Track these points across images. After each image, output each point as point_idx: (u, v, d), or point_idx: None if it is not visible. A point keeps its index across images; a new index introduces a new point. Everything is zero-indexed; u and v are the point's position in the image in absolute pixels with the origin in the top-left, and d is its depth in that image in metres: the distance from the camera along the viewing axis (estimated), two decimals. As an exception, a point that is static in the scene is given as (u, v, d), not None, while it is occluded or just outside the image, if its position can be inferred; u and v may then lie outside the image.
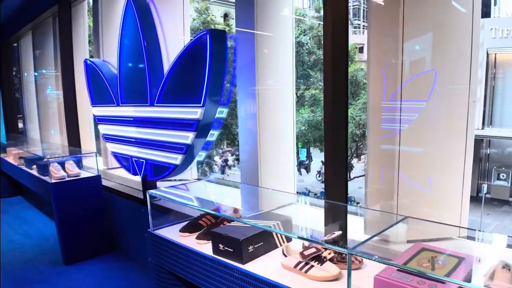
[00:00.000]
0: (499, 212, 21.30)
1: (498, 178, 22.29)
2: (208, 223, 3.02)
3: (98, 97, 5.01)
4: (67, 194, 4.96)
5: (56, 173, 5.04)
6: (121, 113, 4.56)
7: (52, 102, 9.06)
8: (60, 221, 4.92)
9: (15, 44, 10.69)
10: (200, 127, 3.58)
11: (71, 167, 5.25)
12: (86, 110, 7.01)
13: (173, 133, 3.80)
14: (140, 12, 4.05)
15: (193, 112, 3.53)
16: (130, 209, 5.01)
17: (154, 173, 4.24)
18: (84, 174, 5.29)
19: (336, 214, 3.00)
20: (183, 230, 2.97)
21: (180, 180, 4.92)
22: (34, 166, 5.91)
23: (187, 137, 3.66)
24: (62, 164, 5.28)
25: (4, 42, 10.40)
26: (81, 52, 6.92)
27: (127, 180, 5.42)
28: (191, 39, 3.47)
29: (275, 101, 3.85)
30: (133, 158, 4.50)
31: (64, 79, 6.85)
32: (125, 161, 4.73)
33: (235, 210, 3.03)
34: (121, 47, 4.40)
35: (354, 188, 24.68)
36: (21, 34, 9.68)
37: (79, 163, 5.55)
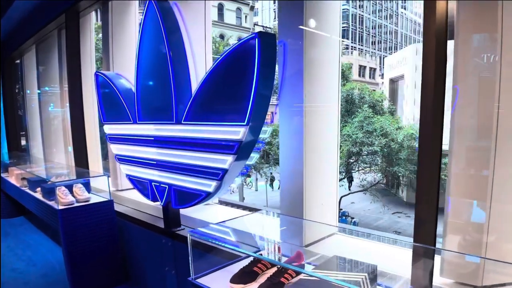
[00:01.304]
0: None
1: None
2: (264, 269, 2.27)
3: (111, 113, 4.24)
4: (77, 222, 4.16)
5: (64, 198, 4.24)
6: (138, 132, 3.80)
7: (55, 119, 8.29)
8: (68, 251, 4.12)
9: (18, 61, 9.91)
10: (241, 150, 2.82)
11: (80, 191, 4.46)
12: (93, 127, 6.27)
13: (207, 155, 3.04)
14: (165, 18, 3.31)
15: (235, 132, 2.77)
16: (146, 238, 4.23)
17: (179, 200, 3.48)
18: (94, 198, 4.50)
19: (424, 261, 2.28)
20: (235, 280, 2.21)
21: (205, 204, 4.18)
22: (39, 189, 5.09)
23: (225, 161, 2.91)
24: (69, 188, 4.50)
25: (7, 59, 9.58)
26: (88, 66, 6.19)
27: (141, 205, 4.62)
28: (234, 44, 2.73)
29: (323, 121, 3.16)
30: (153, 183, 3.73)
31: (71, 94, 6.08)
32: (143, 186, 3.95)
33: (299, 255, 2.28)
34: (140, 57, 3.65)
35: (347, 203, 24.07)
36: (24, 49, 8.90)
37: (88, 186, 4.76)
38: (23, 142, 10.29)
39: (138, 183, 4.03)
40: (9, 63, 9.83)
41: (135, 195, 4.58)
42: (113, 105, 4.14)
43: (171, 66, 3.25)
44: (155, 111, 3.56)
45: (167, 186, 3.54)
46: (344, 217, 21.26)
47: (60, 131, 7.93)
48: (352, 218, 21.71)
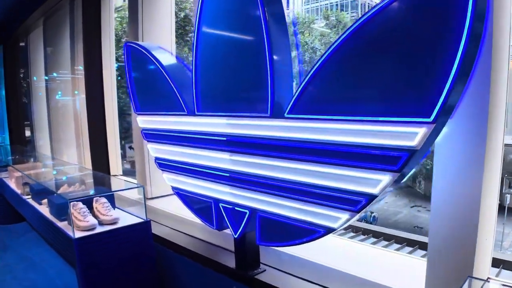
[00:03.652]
0: (514, 222, 19.49)
1: (510, 186, 20.54)
2: None
3: (150, 100, 2.98)
4: (100, 253, 2.91)
5: (82, 220, 2.98)
6: (198, 128, 2.52)
7: (65, 108, 7.05)
8: (88, 293, 2.89)
9: (23, 44, 8.65)
10: (408, 164, 1.56)
11: (104, 209, 3.18)
12: (111, 119, 5.06)
13: (339, 171, 1.76)
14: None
15: (406, 135, 1.49)
16: (203, 280, 2.96)
17: (269, 235, 2.20)
18: (123, 219, 3.21)
19: None
20: None
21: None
22: (45, 201, 3.78)
23: (376, 182, 1.64)
24: (88, 203, 3.24)
25: (9, 39, 8.30)
26: (106, 45, 4.95)
27: (187, 224, 3.36)
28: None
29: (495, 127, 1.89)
30: (222, 204, 2.46)
31: (88, 79, 4.83)
32: (201, 206, 2.68)
33: None
34: (201, 21, 2.35)
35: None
36: (29, 26, 7.62)
37: (112, 199, 3.49)
38: (28, 133, 9.04)
39: (192, 202, 2.76)
40: (12, 44, 8.58)
41: (176, 207, 3.36)
42: (153, 89, 2.88)
43: (267, 33, 1.96)
44: (230, 98, 2.28)
45: (248, 211, 2.27)
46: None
47: (71, 122, 6.65)
48: (372, 212, 20.63)
